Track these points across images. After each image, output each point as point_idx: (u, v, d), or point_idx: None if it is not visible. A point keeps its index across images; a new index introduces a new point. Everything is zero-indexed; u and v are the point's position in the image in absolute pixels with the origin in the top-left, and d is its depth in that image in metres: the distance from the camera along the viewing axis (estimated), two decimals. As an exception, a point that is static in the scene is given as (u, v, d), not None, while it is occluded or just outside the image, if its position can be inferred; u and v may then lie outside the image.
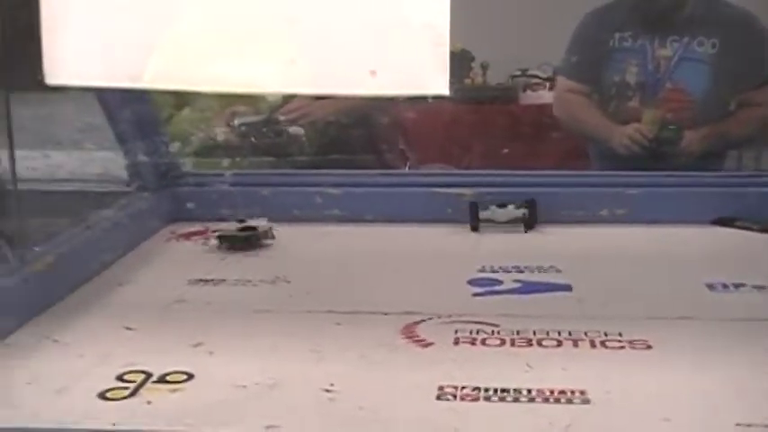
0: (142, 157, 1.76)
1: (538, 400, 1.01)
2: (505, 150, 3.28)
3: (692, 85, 2.53)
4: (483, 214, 1.74)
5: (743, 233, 1.71)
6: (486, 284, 1.43)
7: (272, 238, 1.65)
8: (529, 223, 1.73)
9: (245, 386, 1.04)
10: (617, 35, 2.56)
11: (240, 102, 2.35)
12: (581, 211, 1.71)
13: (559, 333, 1.21)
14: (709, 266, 1.51)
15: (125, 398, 1.02)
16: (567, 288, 1.42)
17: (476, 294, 1.38)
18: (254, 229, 1.65)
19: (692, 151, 2.50)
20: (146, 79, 1.16)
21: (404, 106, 2.85)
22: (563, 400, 1.00)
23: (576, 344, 1.18)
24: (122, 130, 1.77)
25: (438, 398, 1.01)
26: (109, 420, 0.96)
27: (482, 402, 1.01)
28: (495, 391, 1.02)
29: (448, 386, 1.04)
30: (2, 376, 1.09)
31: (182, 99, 2.33)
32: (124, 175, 1.82)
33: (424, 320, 1.24)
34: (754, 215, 1.73)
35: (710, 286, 1.42)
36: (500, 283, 1.45)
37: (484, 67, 4.56)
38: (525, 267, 1.52)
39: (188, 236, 1.76)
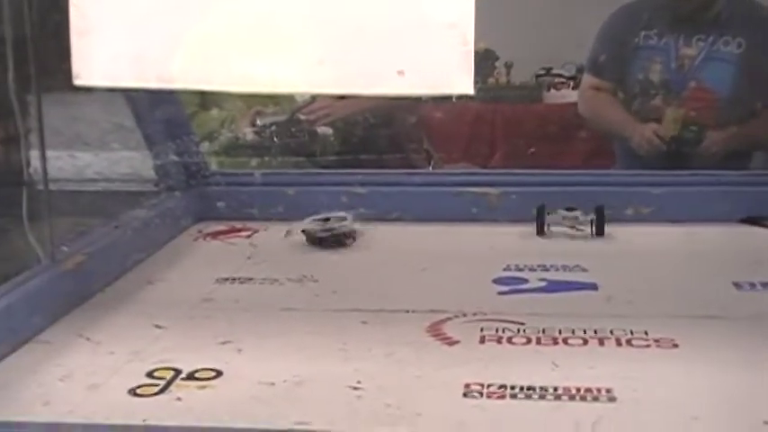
0: (172, 157, 1.77)
1: (564, 398, 1.01)
2: (532, 150, 3.27)
3: (716, 85, 2.52)
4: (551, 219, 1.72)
5: (770, 232, 1.70)
6: (511, 283, 1.44)
7: (354, 239, 1.67)
8: (599, 230, 1.69)
9: (273, 383, 1.05)
10: (642, 33, 2.56)
11: (267, 102, 2.37)
12: (607, 210, 1.70)
13: (585, 331, 1.21)
14: (737, 265, 1.50)
15: (155, 394, 1.03)
16: (593, 287, 1.41)
17: (501, 293, 1.38)
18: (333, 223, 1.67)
19: (714, 152, 2.49)
20: (173, 80, 1.17)
21: (429, 106, 2.85)
22: (589, 398, 1.00)
23: (601, 342, 1.18)
24: (151, 131, 1.79)
25: (464, 395, 1.02)
26: (140, 416, 0.97)
27: (508, 400, 1.01)
28: (522, 388, 1.03)
29: (474, 384, 1.04)
30: (35, 373, 1.10)
31: (208, 98, 2.35)
32: (152, 174, 1.82)
33: (450, 318, 1.25)
34: (781, 214, 1.72)
35: (738, 285, 1.41)
36: (525, 281, 1.46)
37: (508, 67, 4.55)
38: (551, 266, 1.52)
39: (216, 235, 1.77)
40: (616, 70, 2.63)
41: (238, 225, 1.79)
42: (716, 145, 2.50)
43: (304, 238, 1.65)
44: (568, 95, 4.09)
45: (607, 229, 1.70)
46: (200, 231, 1.78)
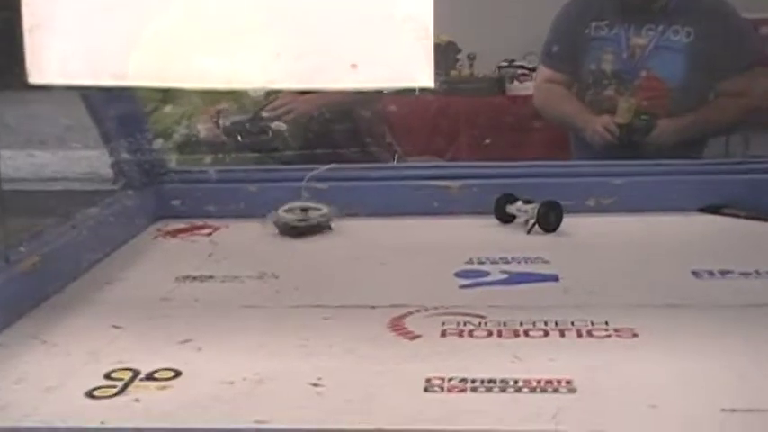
0: (126, 155, 1.75)
1: (525, 390, 1.01)
2: (487, 141, 3.29)
3: (667, 74, 2.54)
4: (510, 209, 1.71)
5: (729, 220, 1.72)
6: (473, 276, 1.43)
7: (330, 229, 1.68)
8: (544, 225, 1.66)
9: (232, 382, 1.04)
10: (593, 24, 2.57)
11: (224, 99, 2.35)
12: (567, 200, 1.71)
13: (546, 323, 1.21)
14: (696, 254, 1.52)
15: (113, 396, 1.01)
16: (554, 278, 1.41)
17: (463, 286, 1.38)
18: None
19: (665, 141, 2.51)
20: (129, 77, 1.15)
21: (390, 99, 2.85)
22: (549, 390, 1.01)
23: (562, 333, 1.18)
24: (107, 128, 1.77)
25: (426, 390, 1.02)
26: (97, 419, 0.96)
27: (469, 393, 1.01)
28: (482, 381, 1.03)
29: (435, 378, 1.04)
30: (-10, 376, 1.07)
31: (168, 94, 2.33)
32: (110, 173, 1.79)
33: (411, 313, 1.24)
34: (740, 202, 1.73)
35: (696, 274, 1.42)
36: (487, 274, 1.45)
37: (471, 59, 4.56)
38: (512, 258, 1.52)
39: (175, 233, 1.75)
40: (570, 61, 2.65)
41: (198, 223, 1.77)
42: (666, 134, 2.53)
43: (276, 229, 1.64)
44: (531, 87, 4.11)
45: (567, 219, 1.70)
46: (159, 230, 1.75)
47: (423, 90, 1.09)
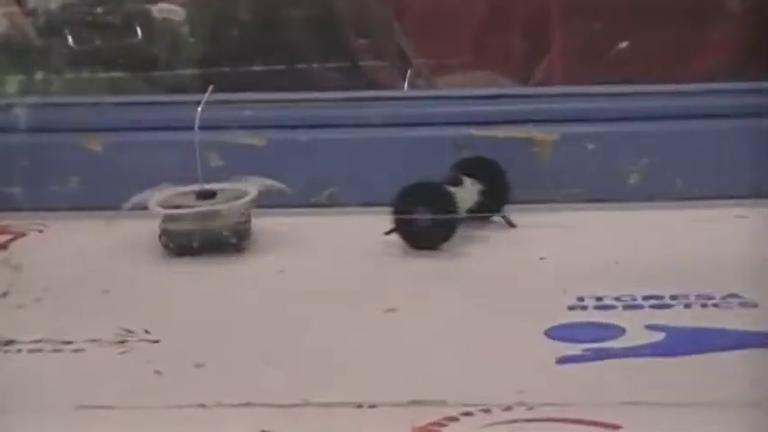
0: None
1: None
2: (624, 44, 2.06)
3: None
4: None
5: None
6: (586, 337, 0.82)
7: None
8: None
9: None
10: None
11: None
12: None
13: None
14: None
15: None
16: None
17: (564, 360, 0.78)
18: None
19: None
20: None
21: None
22: None
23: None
24: None
25: None
26: None
27: None
28: None
29: None
30: None
31: None
32: None
33: (455, 419, 0.69)
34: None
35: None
36: (619, 333, 0.82)
37: None
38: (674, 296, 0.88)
39: None
40: None
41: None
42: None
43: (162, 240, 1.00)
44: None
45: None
46: None
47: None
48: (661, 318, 0.83)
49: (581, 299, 0.87)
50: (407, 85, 1.38)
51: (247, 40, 1.29)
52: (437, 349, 0.79)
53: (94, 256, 1.03)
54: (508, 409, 0.68)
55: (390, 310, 0.87)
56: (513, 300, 0.88)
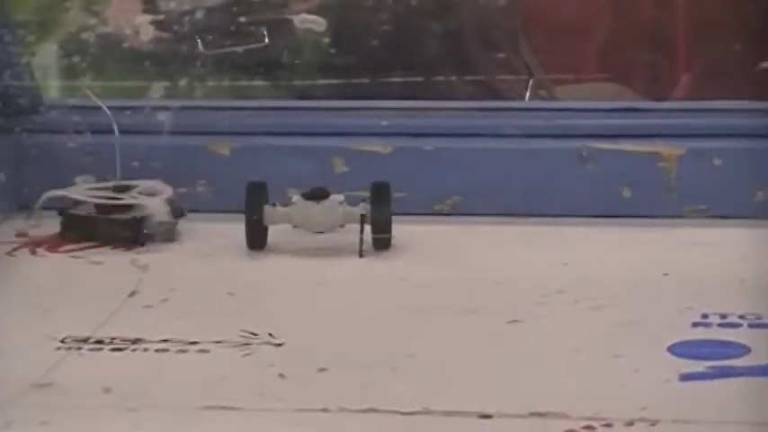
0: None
1: None
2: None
3: None
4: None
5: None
6: (706, 353, 0.79)
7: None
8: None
9: None
10: None
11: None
12: None
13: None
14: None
15: None
16: None
17: (687, 377, 0.75)
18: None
19: None
20: None
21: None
22: None
23: None
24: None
25: None
26: None
27: None
28: None
29: None
30: None
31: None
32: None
33: None
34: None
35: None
36: (743, 350, 0.79)
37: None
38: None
39: (54, 244, 1.02)
40: None
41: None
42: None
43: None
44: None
45: None
46: (21, 235, 1.05)
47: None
48: (787, 337, 0.79)
49: (705, 316, 0.84)
50: (528, 97, 1.36)
51: (382, 52, 1.28)
52: (560, 362, 0.78)
53: (220, 258, 1.02)
54: (629, 424, 0.66)
55: (514, 322, 0.85)
56: (637, 315, 0.85)
